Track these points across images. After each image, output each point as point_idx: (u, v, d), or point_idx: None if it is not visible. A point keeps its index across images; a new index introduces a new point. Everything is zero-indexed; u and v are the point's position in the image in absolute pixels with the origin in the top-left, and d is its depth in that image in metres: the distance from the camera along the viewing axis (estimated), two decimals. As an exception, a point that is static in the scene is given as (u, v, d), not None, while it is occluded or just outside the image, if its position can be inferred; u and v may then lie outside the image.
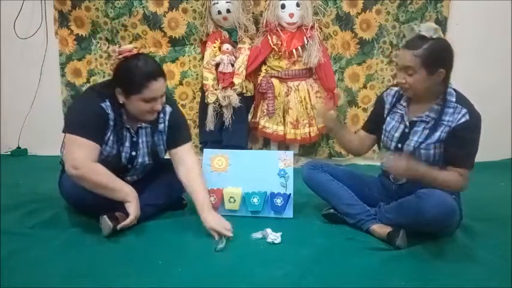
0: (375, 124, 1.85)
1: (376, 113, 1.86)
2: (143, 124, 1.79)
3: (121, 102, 1.69)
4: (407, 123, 1.71)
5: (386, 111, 1.80)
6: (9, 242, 1.58)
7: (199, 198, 1.76)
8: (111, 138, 1.71)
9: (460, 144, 1.59)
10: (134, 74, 1.62)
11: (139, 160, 1.80)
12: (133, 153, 1.78)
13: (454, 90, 1.67)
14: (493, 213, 2.00)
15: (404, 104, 1.74)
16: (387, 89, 1.88)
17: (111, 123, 1.70)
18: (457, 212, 1.58)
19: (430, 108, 1.65)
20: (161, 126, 1.83)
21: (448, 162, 1.63)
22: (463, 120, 1.59)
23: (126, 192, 1.67)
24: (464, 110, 1.59)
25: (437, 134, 1.63)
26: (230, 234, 1.66)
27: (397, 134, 1.73)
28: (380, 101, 1.85)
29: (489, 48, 3.00)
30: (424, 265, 1.49)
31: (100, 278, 1.36)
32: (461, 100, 1.63)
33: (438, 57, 1.58)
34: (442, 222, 1.53)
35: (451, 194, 1.61)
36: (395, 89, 1.81)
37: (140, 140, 1.80)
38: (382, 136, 1.80)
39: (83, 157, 1.61)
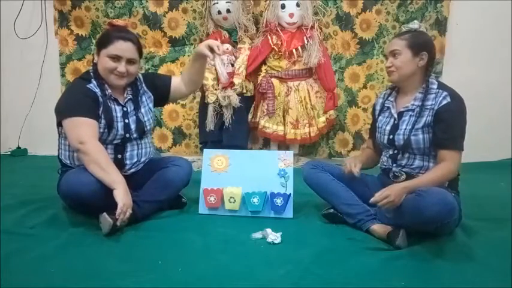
0: (375, 129, 1.93)
1: (373, 119, 1.98)
2: (129, 95, 1.90)
3: (95, 61, 1.84)
4: (396, 116, 1.79)
5: (377, 113, 1.92)
6: (9, 242, 1.58)
7: (190, 64, 1.98)
8: (103, 111, 1.80)
9: (445, 126, 1.67)
10: (108, 33, 1.83)
11: (132, 126, 1.87)
12: (126, 120, 1.86)
13: (437, 80, 1.78)
14: (493, 213, 2.00)
15: (392, 99, 1.85)
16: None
17: (101, 99, 1.81)
18: (457, 209, 1.59)
19: (415, 97, 1.75)
20: (141, 90, 1.96)
21: (437, 146, 1.69)
22: (444, 102, 1.67)
23: (114, 179, 1.68)
24: (445, 93, 1.69)
25: (423, 119, 1.71)
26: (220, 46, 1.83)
27: (388, 127, 1.82)
28: (373, 107, 1.99)
29: (489, 48, 3.00)
30: (424, 265, 1.48)
31: (100, 278, 1.36)
32: (443, 86, 1.74)
33: (422, 41, 1.74)
34: (442, 220, 1.54)
35: (451, 192, 1.64)
36: (385, 91, 1.95)
37: (129, 109, 1.89)
38: (377, 134, 1.88)
39: (88, 133, 1.71)
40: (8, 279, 1.33)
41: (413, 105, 1.75)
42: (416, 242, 1.61)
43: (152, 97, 1.98)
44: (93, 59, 1.87)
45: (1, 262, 1.42)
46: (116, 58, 1.79)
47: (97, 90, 1.81)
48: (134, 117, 1.89)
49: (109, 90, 1.84)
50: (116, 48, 1.78)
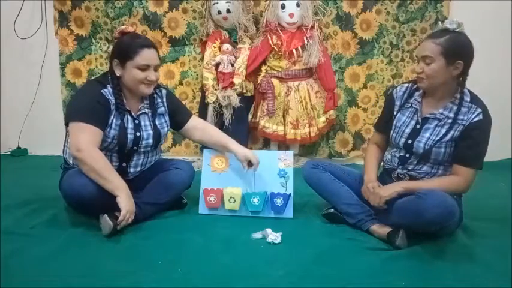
0: (386, 123, 1.83)
1: (386, 112, 1.85)
2: (145, 108, 1.89)
3: (118, 74, 1.80)
4: (420, 120, 1.70)
5: (397, 108, 1.79)
6: (9, 242, 1.58)
7: (224, 140, 2.01)
8: (114, 121, 1.79)
9: (472, 143, 1.61)
10: (129, 43, 1.79)
11: (144, 141, 1.86)
12: (138, 133, 1.84)
13: (468, 90, 1.68)
14: (493, 213, 2.00)
15: (419, 99, 1.73)
16: (396, 86, 1.86)
17: (113, 107, 1.79)
18: (457, 212, 1.58)
19: (445, 106, 1.66)
20: (161, 109, 1.95)
21: (456, 160, 1.64)
22: (476, 119, 1.60)
23: (116, 186, 1.68)
24: (478, 110, 1.61)
25: (451, 133, 1.63)
26: (257, 162, 1.93)
27: (407, 130, 1.72)
28: (390, 98, 1.84)
29: (489, 48, 2.99)
30: (424, 265, 1.48)
31: (100, 278, 1.36)
32: (476, 100, 1.65)
33: (458, 48, 1.60)
34: (442, 222, 1.53)
35: (452, 195, 1.61)
36: (406, 84, 1.81)
37: (143, 123, 1.87)
38: (392, 132, 1.78)
39: (86, 141, 1.68)
40: (8, 279, 1.33)
41: (442, 114, 1.65)
42: (417, 242, 1.61)
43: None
44: (112, 71, 1.81)
45: (1, 262, 1.42)
46: (145, 67, 1.77)
47: (111, 98, 1.78)
48: (150, 132, 1.87)
49: (124, 100, 1.82)
50: (144, 58, 1.76)
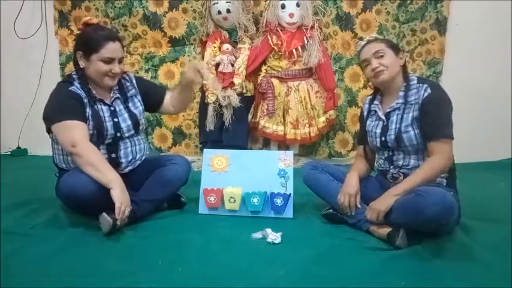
0: (364, 135, 1.93)
1: (362, 125, 1.97)
2: (116, 94, 1.90)
3: (82, 66, 1.81)
4: (383, 117, 1.80)
5: (365, 118, 1.92)
6: (9, 242, 1.58)
7: (178, 89, 2.00)
8: (90, 113, 1.80)
9: (432, 118, 1.68)
10: (93, 35, 1.78)
11: (123, 124, 1.87)
12: (115, 119, 1.85)
13: (414, 75, 1.81)
14: (493, 213, 2.00)
15: (377, 102, 1.87)
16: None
17: (85, 100, 1.80)
18: (457, 209, 1.59)
19: (398, 96, 1.77)
20: (132, 91, 1.96)
21: (426, 138, 1.70)
22: (426, 94, 1.69)
23: (111, 179, 1.68)
24: (425, 86, 1.71)
25: (410, 115, 1.72)
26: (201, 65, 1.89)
27: (378, 130, 1.82)
28: (361, 112, 1.99)
29: (489, 48, 3.00)
30: (424, 265, 1.48)
31: (100, 278, 1.36)
32: (422, 80, 1.77)
33: (395, 43, 1.80)
34: (442, 219, 1.54)
35: (449, 190, 1.64)
36: (369, 97, 1.96)
37: (117, 109, 1.89)
38: (368, 138, 1.88)
39: (79, 135, 1.71)
40: (8, 279, 1.33)
41: (397, 103, 1.76)
42: (417, 242, 1.61)
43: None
44: (76, 63, 1.83)
45: (1, 262, 1.42)
46: (109, 60, 1.79)
47: (81, 92, 1.80)
48: (126, 115, 1.89)
49: (94, 91, 1.83)
50: (108, 51, 1.77)
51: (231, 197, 1.95)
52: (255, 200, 1.93)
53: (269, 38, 2.82)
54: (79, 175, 1.68)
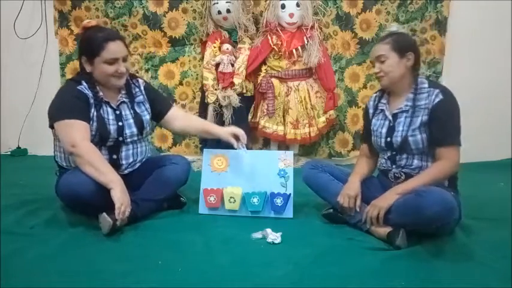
0: (369, 133, 1.91)
1: (366, 123, 1.95)
2: (123, 98, 1.88)
3: (88, 71, 1.80)
4: (390, 118, 1.78)
5: (371, 116, 1.90)
6: (9, 242, 1.58)
7: (205, 125, 2.09)
8: (95, 114, 1.80)
9: (441, 123, 1.67)
10: (92, 39, 1.77)
11: (127, 130, 1.86)
12: (120, 123, 1.84)
13: (426, 78, 1.78)
14: (493, 213, 2.00)
15: (384, 101, 1.84)
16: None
17: (91, 101, 1.80)
18: (457, 209, 1.59)
19: (407, 98, 1.75)
20: (140, 97, 1.95)
21: (434, 144, 1.69)
22: (437, 100, 1.67)
23: (111, 179, 1.68)
24: (436, 91, 1.69)
25: (418, 119, 1.70)
26: (245, 137, 1.95)
27: (384, 130, 1.80)
28: (365, 110, 1.96)
29: (489, 48, 3.00)
30: (424, 265, 1.48)
31: (100, 278, 1.36)
32: (434, 84, 1.76)
33: (404, 42, 1.75)
34: (442, 220, 1.54)
35: (450, 191, 1.64)
36: (375, 94, 1.93)
37: (123, 113, 1.88)
38: (373, 137, 1.86)
39: (80, 135, 1.70)
40: (8, 279, 1.33)
41: (406, 106, 1.75)
42: (416, 242, 1.61)
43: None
44: (81, 68, 1.82)
45: (1, 262, 1.42)
46: (113, 61, 1.77)
47: (88, 92, 1.80)
48: (132, 121, 1.88)
49: (101, 93, 1.82)
50: (110, 52, 1.76)
51: (231, 197, 1.95)
52: (255, 200, 1.93)
53: (269, 38, 2.82)
54: (79, 175, 1.68)
